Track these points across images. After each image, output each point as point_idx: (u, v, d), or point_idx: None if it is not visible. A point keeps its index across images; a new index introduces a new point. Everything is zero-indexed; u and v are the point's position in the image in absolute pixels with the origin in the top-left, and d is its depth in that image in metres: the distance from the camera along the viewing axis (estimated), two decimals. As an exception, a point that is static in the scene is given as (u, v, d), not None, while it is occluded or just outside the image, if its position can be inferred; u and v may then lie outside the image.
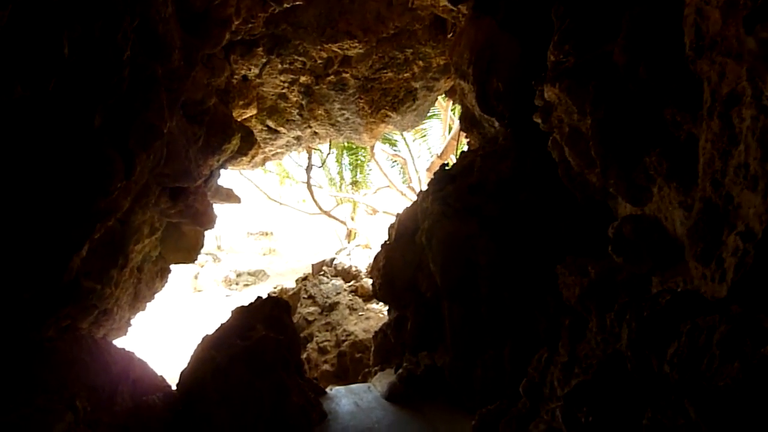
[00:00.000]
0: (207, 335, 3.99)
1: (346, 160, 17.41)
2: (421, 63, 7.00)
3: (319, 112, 7.86)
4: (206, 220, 5.59)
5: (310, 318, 9.17)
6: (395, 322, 5.16)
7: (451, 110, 13.23)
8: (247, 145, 6.37)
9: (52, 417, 2.59)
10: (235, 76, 6.54)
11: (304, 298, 9.89)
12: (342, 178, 17.86)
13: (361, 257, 11.01)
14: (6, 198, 2.66)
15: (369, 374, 5.76)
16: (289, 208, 18.22)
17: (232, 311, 4.33)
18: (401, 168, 15.80)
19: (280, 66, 6.69)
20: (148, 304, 5.58)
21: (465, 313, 4.25)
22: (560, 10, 3.14)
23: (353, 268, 10.49)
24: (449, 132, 12.98)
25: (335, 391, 4.58)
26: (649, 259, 2.48)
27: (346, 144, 15.07)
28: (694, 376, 1.62)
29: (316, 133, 8.61)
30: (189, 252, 5.67)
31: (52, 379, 2.80)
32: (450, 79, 7.39)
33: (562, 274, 3.29)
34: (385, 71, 7.12)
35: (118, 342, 4.57)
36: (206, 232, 5.96)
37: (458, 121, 10.85)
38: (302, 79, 7.03)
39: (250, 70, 6.56)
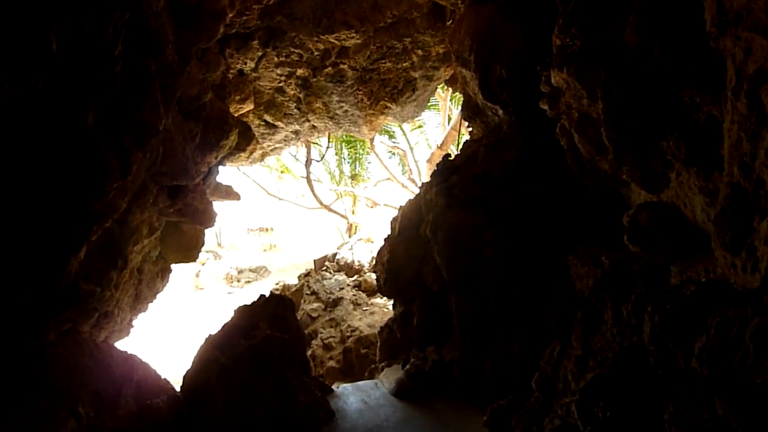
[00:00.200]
0: (210, 335, 3.92)
1: (345, 153, 17.32)
2: (420, 52, 6.86)
3: (318, 105, 7.73)
4: (206, 218, 5.51)
5: (314, 314, 9.11)
6: (401, 316, 5.08)
7: (450, 100, 13.11)
8: (245, 141, 6.27)
9: (55, 424, 2.53)
10: (231, 71, 6.42)
11: (307, 294, 9.83)
12: (341, 172, 17.78)
13: (364, 251, 10.95)
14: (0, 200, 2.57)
15: (375, 370, 5.70)
16: (288, 203, 18.15)
17: (235, 310, 4.25)
18: (401, 160, 15.70)
19: (276, 59, 6.56)
20: (149, 304, 5.51)
21: (473, 306, 4.18)
22: (565, -8, 3.04)
23: (356, 263, 10.44)
24: (449, 122, 12.85)
25: (342, 388, 4.51)
26: (668, 248, 2.39)
27: (345, 137, 14.96)
28: (725, 371, 1.54)
29: (314, 127, 8.49)
30: (189, 251, 5.59)
31: (53, 384, 2.74)
32: (450, 68, 7.26)
33: (574, 265, 3.20)
34: (383, 61, 6.98)
35: (120, 344, 4.52)
36: (206, 230, 5.87)
37: (458, 111, 10.76)
38: (299, 71, 6.90)
39: (245, 64, 6.44)
